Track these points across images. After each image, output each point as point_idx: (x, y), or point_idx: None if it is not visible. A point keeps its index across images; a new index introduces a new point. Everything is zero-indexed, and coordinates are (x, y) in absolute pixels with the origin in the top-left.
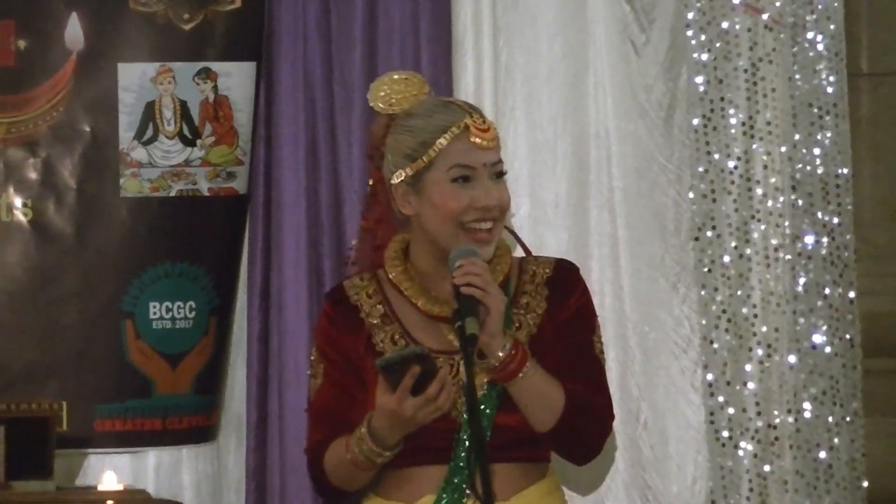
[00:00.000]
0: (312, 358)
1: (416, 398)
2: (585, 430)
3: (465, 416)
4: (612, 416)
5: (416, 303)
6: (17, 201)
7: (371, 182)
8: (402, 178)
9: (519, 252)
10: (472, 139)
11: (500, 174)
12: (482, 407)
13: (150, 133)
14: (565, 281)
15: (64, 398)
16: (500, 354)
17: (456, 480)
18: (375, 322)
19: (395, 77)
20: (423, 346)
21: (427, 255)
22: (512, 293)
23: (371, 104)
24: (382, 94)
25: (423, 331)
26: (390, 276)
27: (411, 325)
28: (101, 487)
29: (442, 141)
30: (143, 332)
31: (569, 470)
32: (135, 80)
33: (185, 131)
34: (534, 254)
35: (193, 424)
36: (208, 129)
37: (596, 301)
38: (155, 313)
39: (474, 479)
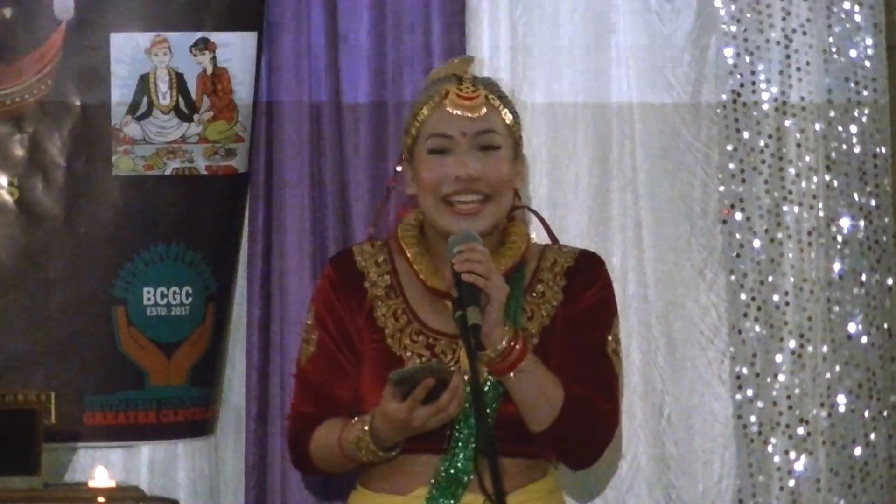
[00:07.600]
0: (308, 322)
1: (426, 407)
2: (583, 435)
3: (466, 406)
4: (615, 424)
5: (418, 271)
6: (3, 180)
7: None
8: (404, 157)
9: (543, 238)
10: (447, 106)
11: (489, 147)
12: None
13: (144, 107)
14: (585, 272)
15: (52, 389)
16: (501, 345)
17: (451, 472)
18: (379, 294)
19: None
20: (440, 360)
21: (430, 236)
22: (527, 280)
23: None
24: (434, 70)
25: (428, 308)
26: (399, 237)
27: (416, 301)
28: (91, 484)
29: (424, 111)
30: (135, 320)
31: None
32: (128, 51)
33: (182, 105)
34: (559, 241)
35: (189, 418)
36: (206, 104)
37: (618, 288)
38: (149, 299)
39: (482, 475)
